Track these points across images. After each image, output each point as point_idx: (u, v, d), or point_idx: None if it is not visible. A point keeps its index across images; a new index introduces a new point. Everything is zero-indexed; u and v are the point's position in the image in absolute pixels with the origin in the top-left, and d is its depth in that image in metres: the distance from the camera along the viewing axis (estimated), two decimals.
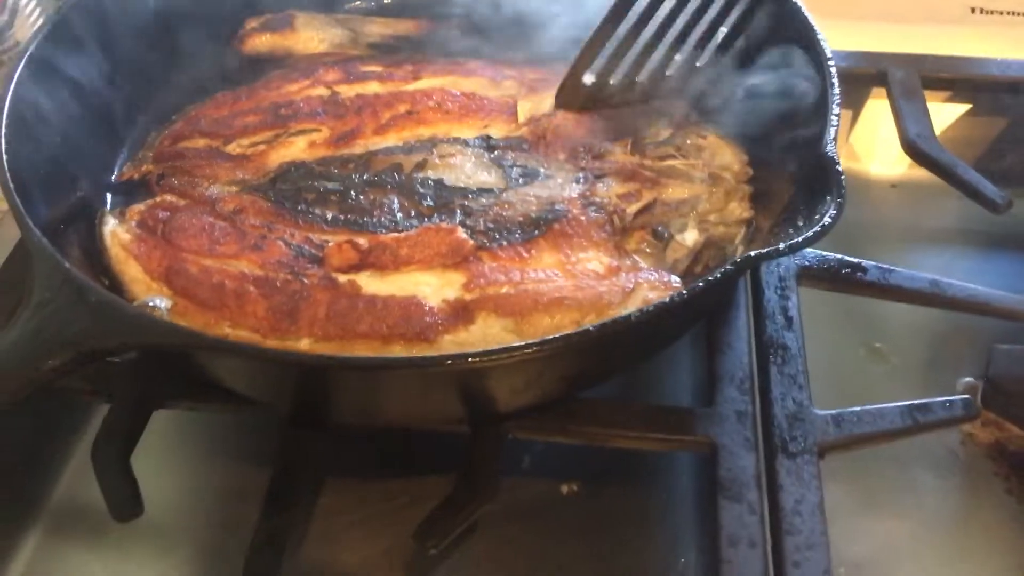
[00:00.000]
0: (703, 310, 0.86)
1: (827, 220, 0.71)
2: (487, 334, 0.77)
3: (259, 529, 0.75)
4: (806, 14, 0.93)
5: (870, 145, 1.27)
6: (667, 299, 0.69)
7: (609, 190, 0.89)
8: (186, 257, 0.83)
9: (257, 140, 0.96)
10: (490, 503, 0.76)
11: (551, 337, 0.66)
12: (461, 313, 0.78)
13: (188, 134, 0.98)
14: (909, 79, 1.15)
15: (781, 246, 0.70)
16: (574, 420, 0.81)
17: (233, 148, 0.96)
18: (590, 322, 0.77)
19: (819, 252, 0.95)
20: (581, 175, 0.91)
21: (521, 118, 0.97)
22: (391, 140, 0.96)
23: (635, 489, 0.88)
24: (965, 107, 1.25)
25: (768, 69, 0.93)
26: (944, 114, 1.25)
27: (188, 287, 0.81)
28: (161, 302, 0.78)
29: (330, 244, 0.83)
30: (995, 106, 1.23)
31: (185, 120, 1.00)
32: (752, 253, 0.71)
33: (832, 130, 0.80)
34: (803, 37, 0.92)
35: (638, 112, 0.97)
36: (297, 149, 0.95)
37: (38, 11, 1.18)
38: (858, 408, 0.83)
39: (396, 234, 0.84)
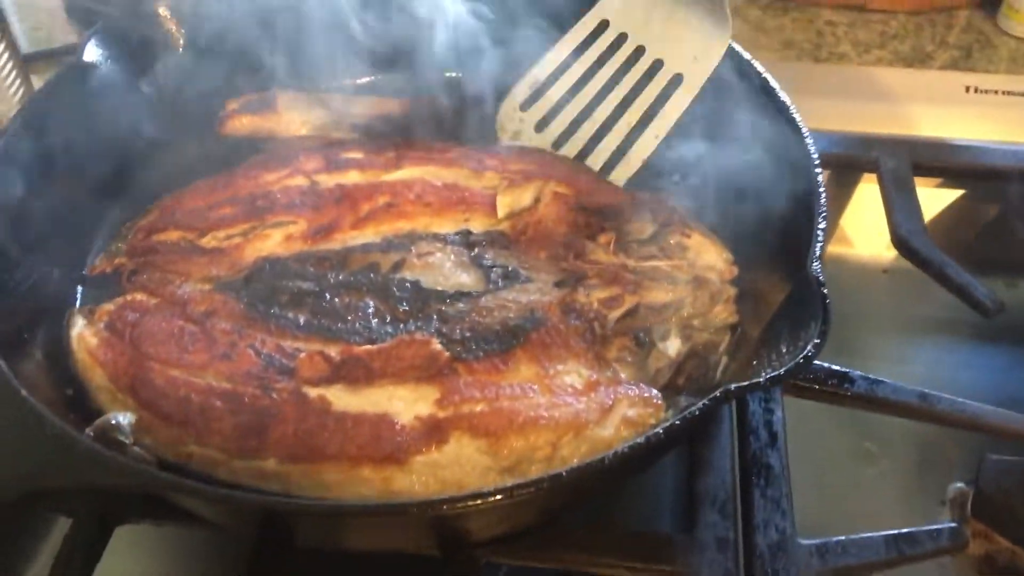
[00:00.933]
0: (681, 440, 0.83)
1: (810, 350, 0.68)
2: (460, 455, 0.74)
3: None
4: (792, 113, 0.91)
5: (862, 229, 1.24)
6: (642, 439, 0.66)
7: (590, 295, 0.86)
8: (153, 367, 0.80)
9: (232, 232, 0.93)
10: None
11: (520, 483, 0.63)
12: (434, 432, 0.75)
13: (162, 226, 0.95)
14: (900, 168, 1.14)
15: (762, 379, 0.67)
16: (549, 546, 0.78)
17: (208, 241, 0.93)
18: (567, 442, 0.75)
19: None
20: (562, 277, 0.88)
21: (501, 212, 0.95)
22: (370, 234, 0.93)
23: None
24: (958, 192, 1.24)
25: (752, 161, 0.91)
26: (938, 199, 1.24)
27: (153, 400, 0.78)
28: (124, 419, 0.75)
29: (302, 355, 0.80)
30: (988, 193, 1.20)
31: (160, 211, 0.97)
32: (732, 387, 0.67)
33: (818, 247, 0.77)
34: (788, 135, 0.89)
35: (622, 206, 0.95)
36: (273, 243, 0.93)
37: (17, 85, 1.16)
38: (843, 538, 0.81)
39: (369, 346, 0.81)
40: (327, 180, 0.98)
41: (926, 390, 0.90)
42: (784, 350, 0.71)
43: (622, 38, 1.02)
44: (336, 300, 0.86)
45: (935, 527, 0.82)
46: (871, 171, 1.15)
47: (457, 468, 0.74)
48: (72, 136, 0.94)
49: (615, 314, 0.85)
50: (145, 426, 0.77)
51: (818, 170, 0.85)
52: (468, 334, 0.82)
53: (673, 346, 0.84)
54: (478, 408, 0.76)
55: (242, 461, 0.75)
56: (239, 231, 0.94)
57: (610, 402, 0.77)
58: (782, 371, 0.67)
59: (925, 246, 1.04)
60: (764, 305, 0.84)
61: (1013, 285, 1.11)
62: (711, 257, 0.91)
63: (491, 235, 0.93)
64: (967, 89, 1.32)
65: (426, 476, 0.74)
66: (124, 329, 0.84)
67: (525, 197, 0.96)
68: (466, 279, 0.88)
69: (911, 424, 0.94)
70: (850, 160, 1.17)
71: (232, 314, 0.85)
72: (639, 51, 1.01)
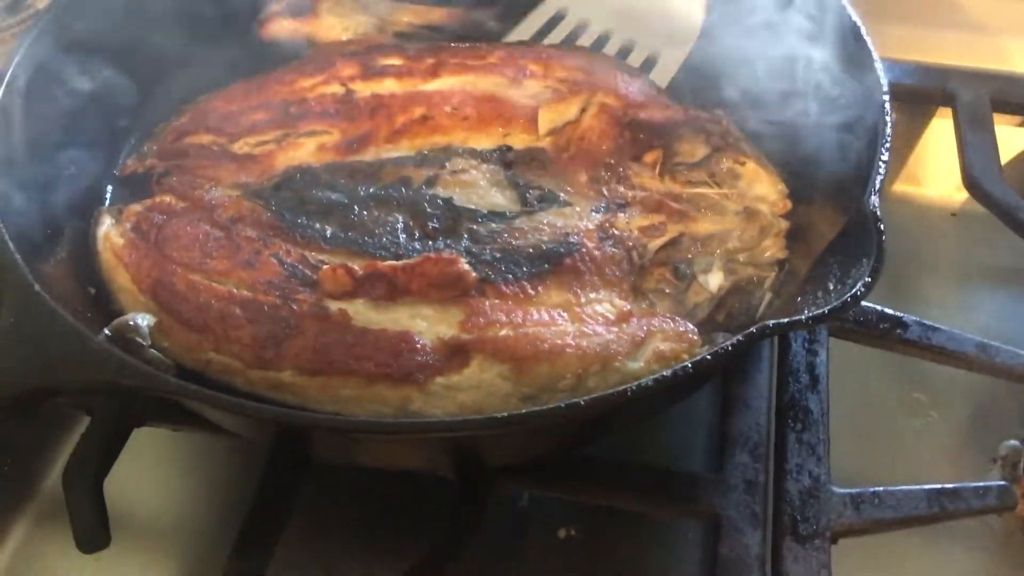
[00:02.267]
0: (711, 376, 0.79)
1: (860, 289, 0.63)
2: (482, 379, 0.71)
3: (228, 571, 0.72)
4: (863, 36, 0.84)
5: (933, 168, 1.18)
6: (668, 373, 0.62)
7: (630, 222, 0.81)
8: (175, 270, 0.78)
9: (265, 139, 0.90)
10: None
11: (535, 410, 0.61)
12: (456, 354, 0.72)
13: (194, 129, 0.92)
14: (978, 103, 1.07)
15: (804, 316, 0.63)
16: (570, 477, 0.76)
17: (240, 146, 0.90)
18: (593, 374, 0.71)
19: None
20: (602, 203, 0.83)
21: (542, 129, 0.90)
22: (404, 148, 0.89)
23: (635, 543, 0.82)
24: None
25: (817, 89, 0.86)
26: (1020, 139, 1.17)
27: (174, 304, 0.76)
28: (143, 320, 0.74)
29: (325, 267, 0.77)
30: None
31: (193, 113, 0.94)
32: (770, 323, 0.63)
33: (878, 179, 0.72)
34: (858, 58, 0.84)
35: (674, 124, 0.89)
36: (306, 152, 0.89)
37: None
38: (880, 489, 0.76)
39: (393, 262, 0.78)
40: (363, 88, 0.94)
41: (986, 340, 0.86)
42: (831, 288, 0.67)
43: (583, 26, 0.99)
44: (365, 213, 0.82)
45: (982, 484, 0.77)
46: (946, 105, 1.08)
47: (477, 392, 0.72)
48: (111, 27, 0.92)
49: (656, 243, 0.81)
50: (165, 330, 0.76)
51: (886, 98, 0.79)
52: (499, 255, 0.79)
53: (715, 280, 0.80)
54: (503, 332, 0.73)
55: (259, 371, 0.74)
56: (271, 138, 0.91)
57: (642, 334, 0.73)
58: (826, 310, 0.63)
59: (998, 188, 0.98)
60: (816, 240, 0.79)
61: None
62: (764, 188, 0.85)
63: (531, 152, 0.88)
64: None
65: (445, 399, 0.71)
66: (150, 231, 0.82)
67: (569, 111, 0.90)
68: (501, 199, 0.84)
69: (965, 376, 0.89)
70: (924, 92, 1.11)
71: (258, 222, 0.82)
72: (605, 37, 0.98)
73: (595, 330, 0.74)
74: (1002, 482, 0.78)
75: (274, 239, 0.81)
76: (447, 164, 0.87)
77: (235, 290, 0.77)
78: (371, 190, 0.85)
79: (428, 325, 0.74)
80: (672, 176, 0.86)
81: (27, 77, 0.83)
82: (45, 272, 0.76)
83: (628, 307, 0.76)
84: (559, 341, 0.72)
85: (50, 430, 0.89)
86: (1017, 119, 1.15)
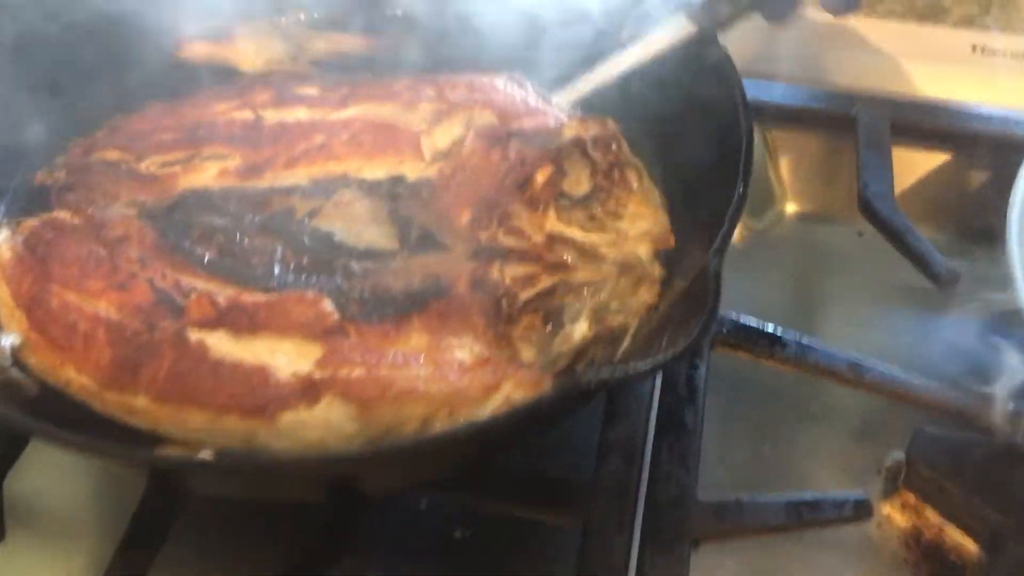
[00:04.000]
0: (529, 428, 0.77)
1: (677, 349, 0.61)
2: (328, 418, 0.69)
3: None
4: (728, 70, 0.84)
5: (840, 188, 1.18)
6: (481, 421, 0.64)
7: (503, 271, 0.79)
8: (52, 288, 0.77)
9: (170, 160, 0.89)
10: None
11: (322, 456, 0.62)
12: (307, 391, 0.70)
13: (103, 145, 0.91)
14: (877, 126, 1.05)
15: (630, 369, 0.62)
16: (451, 486, 0.76)
17: (147, 165, 0.89)
18: (440, 419, 0.69)
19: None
20: (478, 249, 0.81)
21: (427, 154, 0.87)
22: (300, 175, 0.87)
23: (522, 545, 0.81)
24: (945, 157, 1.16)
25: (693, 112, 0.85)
26: (922, 162, 1.16)
27: (44, 321, 0.76)
28: (6, 340, 0.74)
29: (192, 297, 0.76)
30: (975, 160, 1.13)
31: (107, 130, 0.94)
32: (584, 379, 0.63)
33: (725, 230, 0.70)
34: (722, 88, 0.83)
35: (552, 135, 0.87)
36: (207, 176, 0.88)
37: None
38: (744, 498, 0.76)
39: (257, 296, 0.76)
40: (273, 115, 0.93)
41: (858, 358, 0.85)
42: (664, 341, 0.65)
43: None
44: (246, 241, 0.81)
45: (840, 495, 0.77)
46: (849, 128, 1.08)
47: (323, 431, 0.70)
48: (31, 36, 0.92)
49: (527, 294, 0.78)
50: (32, 346, 0.75)
51: (746, 135, 0.77)
52: (368, 295, 0.77)
53: (580, 329, 0.77)
54: (355, 373, 0.71)
55: (114, 394, 0.72)
56: (176, 159, 0.90)
57: (495, 381, 0.71)
58: (647, 365, 0.62)
59: (888, 209, 0.97)
60: (680, 282, 0.77)
61: (993, 258, 1.02)
62: (647, 224, 0.83)
63: (418, 184, 0.86)
64: (973, 48, 1.23)
65: (291, 436, 0.70)
66: (38, 246, 0.81)
67: (452, 131, 0.88)
68: (380, 236, 0.83)
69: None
70: (828, 116, 1.08)
71: (143, 242, 0.81)
72: None
73: (447, 375, 0.72)
74: (860, 494, 0.77)
75: (154, 261, 0.80)
76: (333, 196, 0.85)
77: (102, 312, 0.76)
78: (256, 218, 0.84)
79: (287, 360, 0.72)
80: (555, 212, 0.83)
81: None
82: None
83: (487, 354, 0.74)
84: (408, 385, 0.70)
85: None
86: (918, 143, 1.14)
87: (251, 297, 0.76)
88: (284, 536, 0.78)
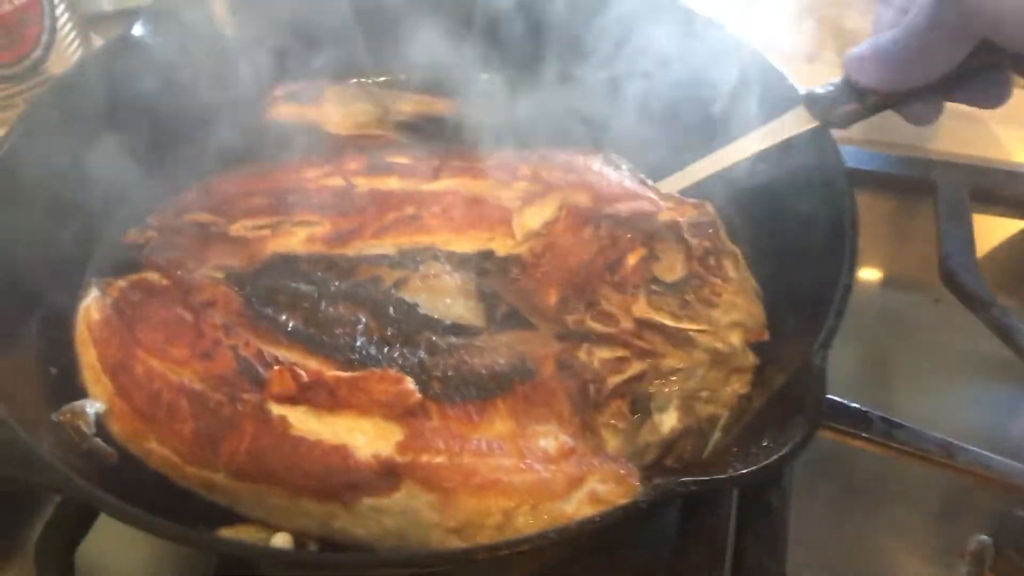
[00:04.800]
0: (610, 536, 0.72)
1: (785, 452, 0.58)
2: (408, 506, 0.67)
3: None
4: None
5: (915, 255, 1.14)
6: (572, 526, 0.59)
7: (592, 354, 0.75)
8: (138, 354, 0.76)
9: (260, 224, 0.88)
10: None
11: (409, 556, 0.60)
12: (387, 476, 0.67)
13: (194, 207, 0.90)
14: (956, 193, 1.00)
15: (725, 476, 0.59)
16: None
17: (236, 229, 0.88)
18: (523, 512, 0.66)
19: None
20: (567, 333, 0.77)
21: (518, 234, 0.84)
22: (387, 245, 0.85)
23: None
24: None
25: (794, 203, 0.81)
26: (1001, 228, 1.12)
27: (128, 389, 0.74)
28: (91, 408, 0.72)
29: (273, 369, 0.74)
30: None
31: (198, 191, 0.93)
32: (677, 486, 0.59)
33: (827, 329, 0.66)
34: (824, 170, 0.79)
35: (646, 218, 0.83)
36: (296, 241, 0.86)
37: (76, 44, 1.11)
38: None
39: (339, 372, 0.74)
40: (364, 184, 0.91)
41: (950, 439, 0.79)
42: (766, 443, 0.62)
43: None
44: (331, 310, 0.79)
45: None
46: (927, 195, 1.04)
47: (403, 518, 0.67)
48: (115, 101, 0.91)
49: (615, 379, 0.74)
50: (116, 414, 0.74)
51: (850, 219, 0.74)
52: (451, 373, 0.74)
53: (669, 421, 0.73)
54: (437, 459, 0.68)
55: (194, 468, 0.71)
56: (266, 223, 0.88)
57: (580, 474, 0.68)
58: (746, 471, 0.59)
59: (972, 281, 0.92)
60: (774, 373, 0.73)
61: None
62: (740, 315, 0.79)
63: (507, 261, 0.83)
64: None
65: (369, 520, 0.67)
66: (126, 309, 0.80)
67: (544, 212, 0.85)
68: (466, 311, 0.79)
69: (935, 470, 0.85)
70: (906, 182, 1.05)
71: (229, 308, 0.79)
72: None
73: (532, 466, 0.68)
74: None
75: (238, 328, 0.78)
76: (421, 267, 0.82)
77: (187, 382, 0.74)
78: (341, 286, 0.81)
79: (367, 440, 0.70)
80: (646, 297, 0.79)
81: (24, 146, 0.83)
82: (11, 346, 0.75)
83: (572, 444, 0.70)
84: (492, 475, 0.67)
85: (25, 508, 0.86)
86: (999, 209, 1.10)
87: (332, 372, 0.74)
88: None
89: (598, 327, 0.77)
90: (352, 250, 0.85)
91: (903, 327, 1.06)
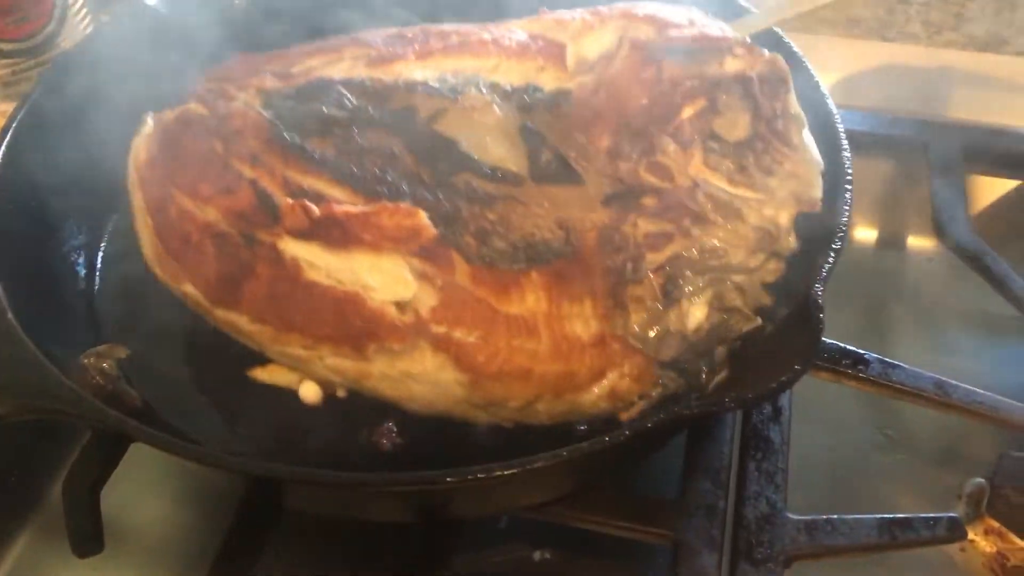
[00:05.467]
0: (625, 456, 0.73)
1: (786, 377, 0.59)
2: (439, 379, 0.66)
3: None
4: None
5: (911, 214, 1.15)
6: (596, 443, 0.59)
7: (637, 226, 0.69)
8: (173, 193, 0.73)
9: (311, 64, 0.81)
10: None
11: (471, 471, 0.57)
12: (415, 338, 0.65)
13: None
14: (949, 153, 1.02)
15: (726, 401, 0.60)
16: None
17: (285, 64, 0.81)
18: (545, 399, 0.66)
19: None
20: (615, 191, 0.70)
21: (569, 63, 0.75)
22: (430, 69, 0.77)
23: (605, 565, 0.79)
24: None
25: None
26: (995, 188, 1.13)
27: (164, 230, 0.72)
28: (117, 352, 0.72)
29: (287, 202, 0.69)
30: None
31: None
32: (685, 411, 0.61)
33: (826, 267, 0.66)
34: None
35: (708, 50, 0.72)
36: (340, 68, 0.79)
37: (88, 18, 1.09)
38: (835, 517, 0.73)
39: (350, 207, 0.68)
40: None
41: (943, 378, 0.82)
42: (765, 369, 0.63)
43: None
44: (362, 139, 0.72)
45: (932, 515, 0.73)
46: (920, 156, 1.05)
47: (432, 388, 0.67)
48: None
49: (655, 257, 0.68)
50: (158, 256, 0.73)
51: (849, 178, 0.73)
52: (488, 229, 0.68)
53: (697, 313, 0.68)
54: (471, 338, 0.66)
55: (221, 311, 0.70)
56: (318, 62, 0.81)
57: (603, 366, 0.66)
58: (749, 395, 0.61)
59: (963, 233, 0.95)
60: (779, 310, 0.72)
61: None
62: (798, 185, 0.71)
63: (555, 97, 0.74)
64: None
65: (400, 384, 0.67)
66: (168, 145, 0.76)
67: (603, 41, 0.75)
68: (507, 154, 0.72)
69: (934, 414, 0.85)
70: (900, 142, 1.06)
71: (259, 135, 0.73)
72: None
73: (560, 355, 0.66)
74: (952, 514, 0.74)
75: (265, 157, 0.73)
76: (460, 98, 0.74)
77: (211, 221, 0.71)
78: (376, 114, 0.74)
79: (383, 283, 0.66)
80: (702, 155, 0.71)
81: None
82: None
83: (602, 329, 0.67)
84: (522, 364, 0.66)
85: (56, 442, 0.87)
86: (993, 169, 1.11)
87: (344, 207, 0.68)
88: (376, 553, 0.76)
89: (652, 179, 0.70)
90: (391, 74, 0.78)
91: (898, 285, 1.10)
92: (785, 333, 0.66)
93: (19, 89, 1.05)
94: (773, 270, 0.72)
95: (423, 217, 0.67)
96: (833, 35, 1.25)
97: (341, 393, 0.72)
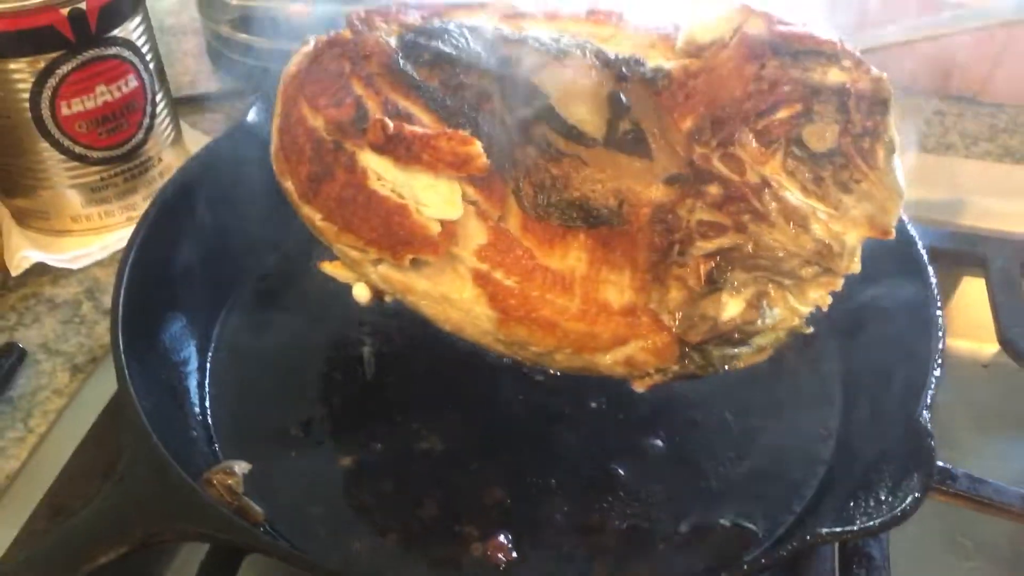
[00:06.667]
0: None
1: (910, 503, 0.61)
2: (472, 310, 0.71)
3: None
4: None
5: (963, 320, 1.16)
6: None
7: (693, 212, 0.69)
8: (299, 100, 0.78)
9: (454, 12, 0.83)
10: None
11: None
12: (450, 259, 0.70)
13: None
14: (1009, 267, 1.03)
15: (856, 527, 0.61)
16: None
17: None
18: (564, 352, 0.70)
19: None
20: (680, 175, 0.70)
21: (679, 42, 0.75)
22: (551, 27, 0.80)
23: None
24: None
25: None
26: None
27: (284, 131, 0.78)
28: (239, 468, 0.73)
29: (375, 117, 0.72)
30: None
31: None
32: (824, 531, 0.62)
33: (929, 395, 0.70)
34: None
35: (822, 86, 0.69)
36: (477, 19, 0.82)
37: (171, 128, 1.14)
38: None
39: (418, 129, 0.71)
40: None
41: None
42: (883, 498, 0.64)
43: None
44: (464, 77, 0.75)
45: None
46: (978, 269, 1.06)
47: (465, 316, 0.72)
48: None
49: (703, 245, 0.69)
50: (275, 153, 0.79)
51: (939, 312, 0.78)
52: (548, 183, 0.70)
53: (734, 307, 0.69)
54: (508, 282, 0.70)
55: (304, 207, 0.76)
56: (463, 12, 0.83)
57: (627, 335, 0.69)
58: (876, 522, 0.62)
59: None
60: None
61: None
62: (873, 207, 0.69)
63: (655, 73, 0.74)
64: None
65: (438, 305, 0.72)
66: (312, 60, 0.80)
67: (716, 29, 0.74)
68: (589, 116, 0.73)
69: (1007, 523, 0.86)
70: (957, 256, 1.07)
71: (380, 60, 0.77)
72: None
73: (589, 316, 0.69)
74: None
75: (377, 79, 0.76)
76: (563, 57, 0.76)
77: (317, 127, 0.76)
78: (484, 58, 0.77)
79: (437, 202, 0.70)
80: (782, 159, 0.70)
81: None
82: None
83: (634, 302, 0.69)
84: (551, 317, 0.69)
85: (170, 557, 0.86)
86: None
87: (409, 128, 0.71)
88: None
89: (723, 169, 0.70)
90: (516, 28, 0.81)
91: (955, 391, 1.07)
92: (893, 449, 0.68)
93: (104, 195, 1.08)
94: (825, 283, 0.71)
95: (477, 146, 0.69)
96: None
97: (388, 300, 0.78)
